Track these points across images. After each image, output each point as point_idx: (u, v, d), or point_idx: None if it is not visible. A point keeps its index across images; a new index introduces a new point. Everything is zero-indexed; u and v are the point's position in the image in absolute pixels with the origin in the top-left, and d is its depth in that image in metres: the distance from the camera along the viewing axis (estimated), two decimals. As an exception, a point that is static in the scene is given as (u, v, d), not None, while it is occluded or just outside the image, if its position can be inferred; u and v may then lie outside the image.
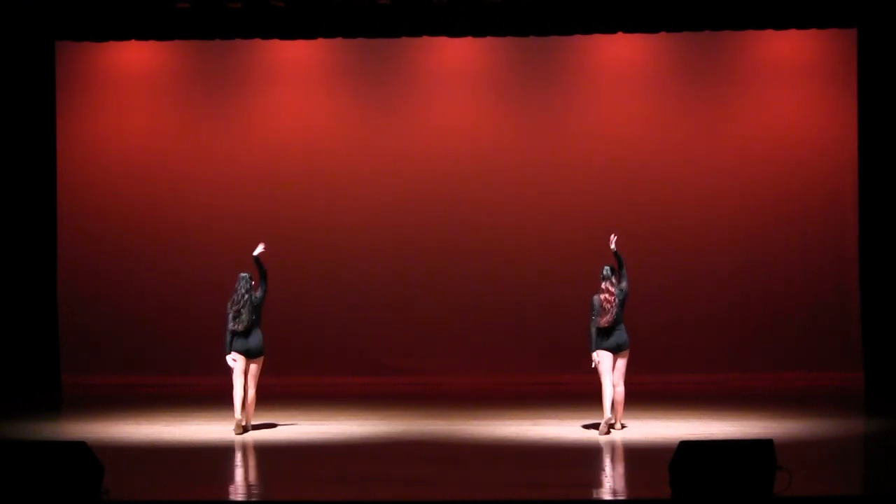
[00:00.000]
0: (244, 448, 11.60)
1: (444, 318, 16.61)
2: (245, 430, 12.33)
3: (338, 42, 16.39)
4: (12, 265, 15.84)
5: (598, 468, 10.70)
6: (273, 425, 12.80)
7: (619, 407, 12.14)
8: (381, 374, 16.41)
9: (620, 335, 12.03)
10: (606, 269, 12.17)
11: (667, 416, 13.23)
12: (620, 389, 12.09)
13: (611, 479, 10.07)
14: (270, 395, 14.41)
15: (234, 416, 12.36)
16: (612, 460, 10.98)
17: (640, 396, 14.69)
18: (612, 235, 12.34)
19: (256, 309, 12.36)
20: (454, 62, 16.70)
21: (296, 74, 16.86)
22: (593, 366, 12.01)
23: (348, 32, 15.70)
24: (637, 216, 16.48)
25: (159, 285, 16.63)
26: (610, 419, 12.03)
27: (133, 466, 10.50)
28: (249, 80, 16.79)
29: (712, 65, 16.60)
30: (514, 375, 16.28)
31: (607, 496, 9.37)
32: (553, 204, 16.58)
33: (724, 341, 16.50)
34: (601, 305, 12.02)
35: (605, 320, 11.98)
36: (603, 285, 12.10)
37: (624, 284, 12.11)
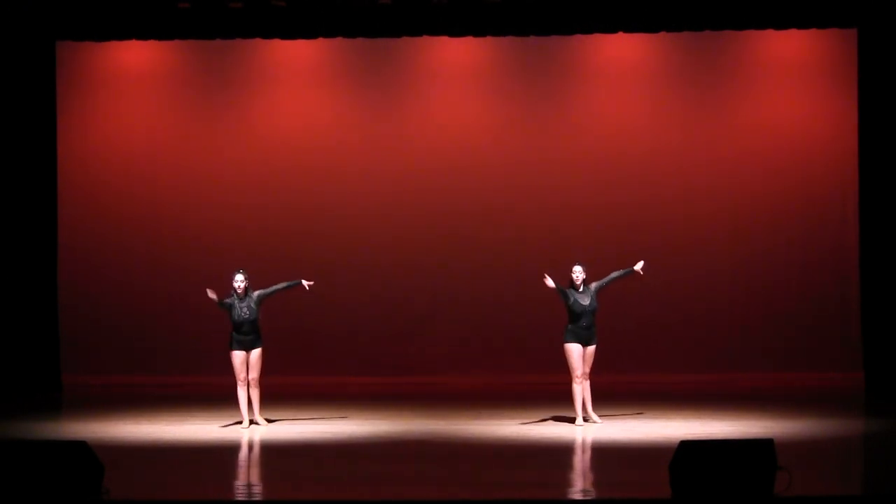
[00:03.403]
0: (244, 448, 11.60)
1: (444, 317, 16.62)
2: (252, 422, 12.56)
3: (338, 42, 16.40)
4: (13, 265, 15.83)
5: (598, 468, 10.70)
6: (273, 421, 12.81)
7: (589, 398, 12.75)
8: (381, 374, 16.42)
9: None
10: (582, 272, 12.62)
11: (667, 416, 13.23)
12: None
13: (608, 480, 10.09)
14: (271, 395, 14.41)
15: (241, 415, 12.61)
16: (612, 460, 10.98)
17: (640, 396, 14.71)
18: (641, 264, 12.92)
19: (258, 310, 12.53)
20: (454, 62, 16.71)
21: (296, 74, 16.87)
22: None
23: (349, 32, 15.71)
24: (636, 215, 16.51)
25: (160, 285, 16.64)
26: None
27: (133, 466, 10.50)
28: (250, 80, 16.79)
29: (712, 65, 16.61)
30: (513, 375, 16.29)
31: (607, 496, 9.37)
32: (553, 202, 16.60)
33: (724, 341, 16.51)
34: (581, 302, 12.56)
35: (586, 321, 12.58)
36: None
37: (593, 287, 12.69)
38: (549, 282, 12.55)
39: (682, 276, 16.54)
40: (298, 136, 16.79)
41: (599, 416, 12.84)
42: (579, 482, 10.12)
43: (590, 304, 12.50)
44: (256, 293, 12.58)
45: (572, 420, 12.66)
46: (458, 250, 16.62)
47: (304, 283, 12.85)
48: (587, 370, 12.63)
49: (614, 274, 12.73)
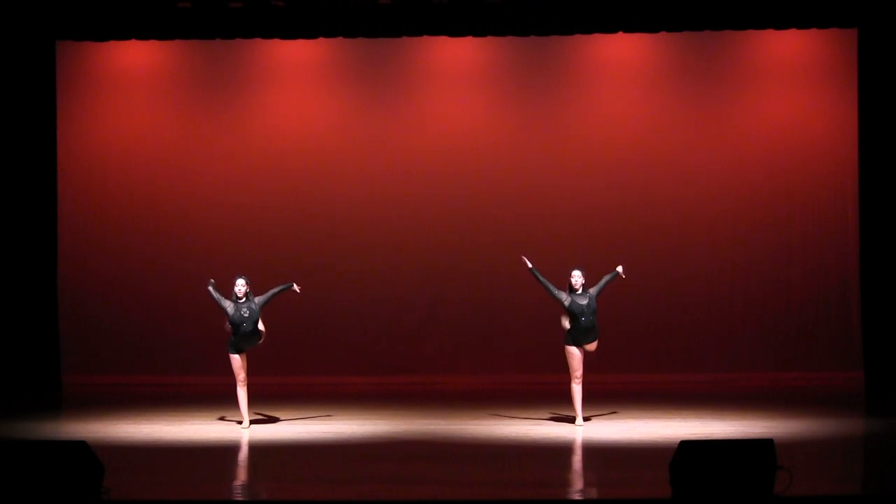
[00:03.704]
0: (244, 448, 11.60)
1: (444, 317, 16.63)
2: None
3: (338, 41, 16.40)
4: (13, 265, 15.83)
5: (598, 468, 10.70)
6: (274, 421, 12.81)
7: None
8: (381, 374, 16.42)
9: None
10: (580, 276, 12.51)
11: (667, 415, 13.23)
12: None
13: (608, 480, 10.08)
14: (271, 395, 14.43)
15: (241, 415, 12.63)
16: (612, 460, 10.98)
17: (640, 396, 14.72)
18: (620, 268, 12.75)
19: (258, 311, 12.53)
20: (454, 62, 16.71)
21: (296, 74, 16.87)
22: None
23: (349, 32, 15.71)
24: (637, 215, 16.51)
25: (160, 285, 16.64)
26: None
27: (133, 466, 10.51)
28: (250, 80, 16.79)
29: (712, 65, 16.61)
30: (513, 375, 16.29)
31: (607, 496, 9.37)
32: (553, 202, 16.60)
33: (724, 341, 16.51)
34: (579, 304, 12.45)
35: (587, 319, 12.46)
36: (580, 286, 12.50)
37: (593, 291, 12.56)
38: (527, 262, 12.57)
39: (683, 276, 16.54)
40: (298, 135, 16.79)
41: (593, 415, 12.85)
42: (579, 482, 10.11)
43: (588, 303, 12.43)
44: (256, 299, 12.57)
45: (572, 420, 12.67)
46: (459, 250, 16.62)
47: (295, 287, 12.84)
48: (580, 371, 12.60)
49: (606, 277, 12.63)
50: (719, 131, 16.65)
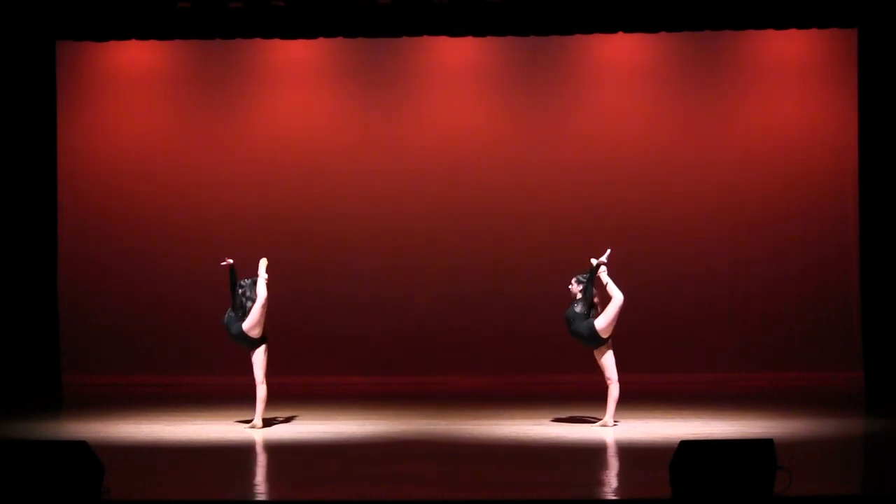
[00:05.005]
0: (244, 448, 11.60)
1: (444, 317, 16.62)
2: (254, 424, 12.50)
3: (338, 42, 16.40)
4: (13, 264, 15.83)
5: (598, 468, 10.70)
6: (273, 423, 12.81)
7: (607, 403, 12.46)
8: (382, 374, 16.42)
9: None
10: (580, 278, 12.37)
11: (667, 416, 13.24)
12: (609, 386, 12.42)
13: (611, 479, 10.08)
14: (271, 395, 14.36)
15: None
16: (612, 460, 10.98)
17: (640, 396, 14.70)
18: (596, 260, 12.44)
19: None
20: (455, 62, 16.71)
21: (296, 74, 16.88)
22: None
23: (349, 32, 15.70)
24: (637, 215, 16.52)
25: (160, 285, 16.65)
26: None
27: (133, 466, 10.50)
28: (250, 80, 16.80)
29: (712, 65, 16.62)
30: (514, 375, 16.30)
31: (607, 496, 9.37)
32: (553, 203, 16.60)
33: (724, 341, 16.52)
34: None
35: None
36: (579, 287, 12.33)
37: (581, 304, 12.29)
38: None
39: (683, 275, 16.55)
40: (298, 135, 16.80)
41: (592, 416, 12.85)
42: (580, 482, 10.10)
43: (567, 312, 12.35)
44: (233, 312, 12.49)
45: (572, 421, 12.67)
46: (459, 250, 16.63)
47: (223, 263, 12.69)
48: (605, 374, 12.52)
49: (586, 281, 12.38)
50: (719, 131, 16.66)
